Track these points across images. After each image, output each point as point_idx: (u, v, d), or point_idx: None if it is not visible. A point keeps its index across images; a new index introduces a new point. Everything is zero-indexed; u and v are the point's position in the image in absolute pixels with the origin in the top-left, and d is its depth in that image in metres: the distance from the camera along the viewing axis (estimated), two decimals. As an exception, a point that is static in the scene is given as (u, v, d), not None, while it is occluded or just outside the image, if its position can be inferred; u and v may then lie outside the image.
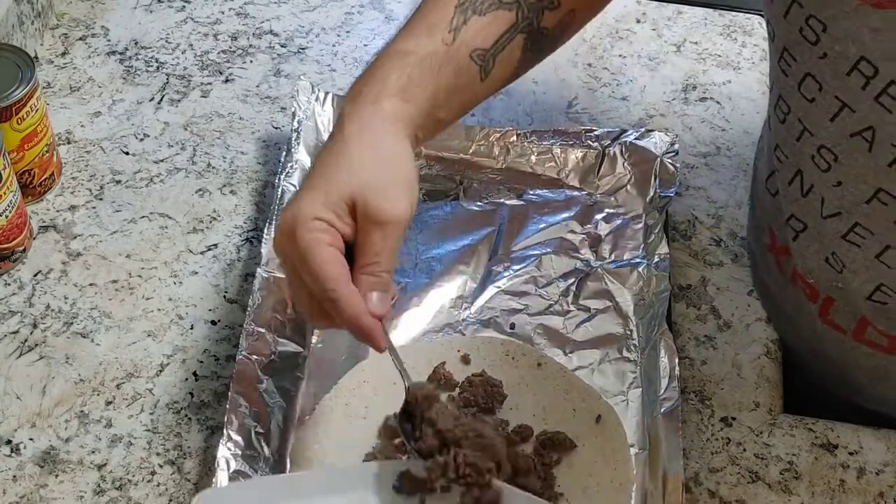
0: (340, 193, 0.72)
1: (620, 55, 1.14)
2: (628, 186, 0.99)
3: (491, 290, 0.92)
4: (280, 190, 0.93)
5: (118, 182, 1.00)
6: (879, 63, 0.67)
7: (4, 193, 0.88)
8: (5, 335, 0.88)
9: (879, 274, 0.77)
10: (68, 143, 1.02)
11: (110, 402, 0.85)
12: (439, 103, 0.78)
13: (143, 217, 0.97)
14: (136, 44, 1.12)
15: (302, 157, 0.96)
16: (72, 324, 0.89)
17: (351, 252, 0.73)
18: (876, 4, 0.65)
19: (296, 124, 0.97)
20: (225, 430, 0.78)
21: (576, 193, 0.99)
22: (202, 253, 0.95)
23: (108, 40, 1.12)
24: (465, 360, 0.86)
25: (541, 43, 0.82)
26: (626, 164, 0.99)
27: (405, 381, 0.76)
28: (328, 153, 0.75)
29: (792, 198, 0.81)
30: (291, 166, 0.94)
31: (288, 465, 0.80)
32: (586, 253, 0.95)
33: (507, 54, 0.80)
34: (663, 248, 0.92)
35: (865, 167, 0.72)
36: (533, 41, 0.81)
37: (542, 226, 0.97)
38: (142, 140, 1.03)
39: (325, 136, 0.98)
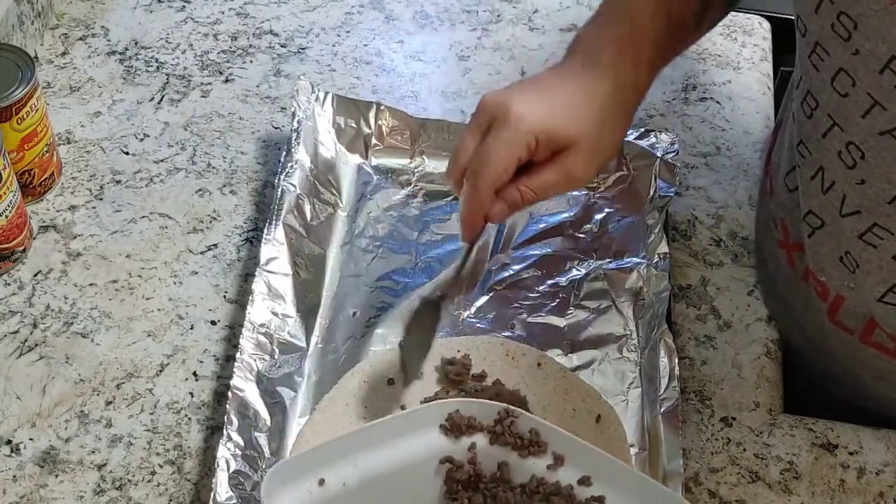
0: (565, 133, 0.76)
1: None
2: (628, 186, 0.99)
3: (491, 290, 0.92)
4: (280, 190, 0.93)
5: (118, 182, 1.00)
6: None
7: (4, 193, 0.88)
8: (5, 335, 0.88)
9: (893, 275, 0.77)
10: (68, 143, 1.02)
11: (110, 402, 0.85)
12: (665, 67, 0.84)
13: (143, 217, 0.97)
14: (136, 44, 1.12)
15: (302, 157, 0.96)
16: (72, 324, 0.89)
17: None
18: None
19: (296, 124, 0.97)
20: (225, 430, 0.78)
21: (576, 193, 0.99)
22: (202, 253, 0.95)
23: (108, 40, 1.12)
24: (466, 360, 0.86)
25: None
26: (626, 163, 0.99)
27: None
28: (579, 76, 0.79)
29: (812, 194, 0.81)
30: (291, 166, 0.94)
31: (288, 465, 0.80)
32: (586, 253, 0.95)
33: (713, 10, 0.85)
34: (663, 248, 0.92)
35: (892, 166, 0.72)
36: None
37: (542, 226, 0.97)
38: (142, 140, 1.03)
39: (324, 137, 0.99)
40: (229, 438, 0.78)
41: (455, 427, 0.77)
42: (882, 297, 0.79)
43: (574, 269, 0.93)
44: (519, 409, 0.77)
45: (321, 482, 0.74)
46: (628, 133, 0.99)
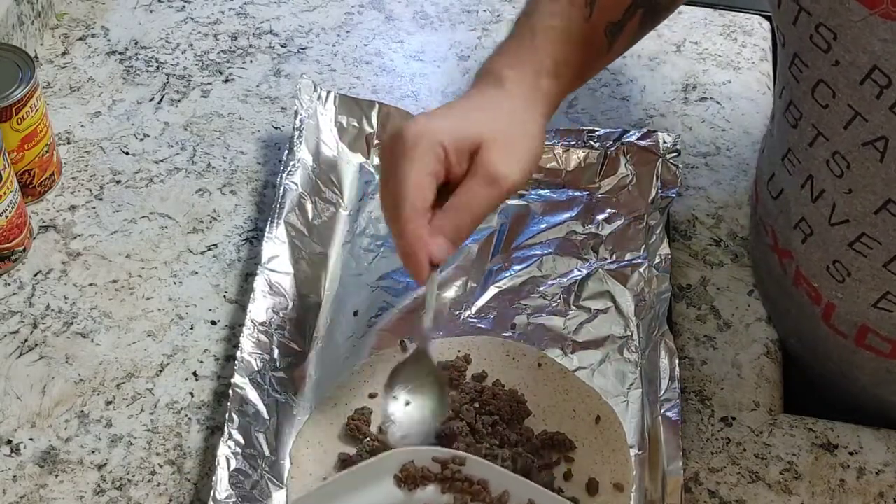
0: (471, 132, 0.74)
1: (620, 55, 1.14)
2: (630, 187, 0.99)
3: (491, 290, 0.92)
4: (282, 189, 0.92)
5: (118, 182, 1.00)
6: (892, 74, 0.66)
7: (4, 193, 0.88)
8: (5, 335, 0.88)
9: (886, 283, 0.77)
10: (68, 143, 1.02)
11: (110, 402, 0.85)
12: (580, 79, 0.83)
13: (143, 217, 0.97)
14: (136, 44, 1.12)
15: (304, 155, 0.96)
16: (72, 324, 0.89)
17: (445, 190, 0.74)
18: (885, 15, 0.65)
19: (298, 123, 0.97)
20: (225, 429, 0.78)
21: (577, 193, 0.99)
22: (202, 253, 0.95)
23: (108, 40, 1.12)
24: (466, 360, 0.86)
25: (655, 16, 0.86)
26: (627, 164, 0.99)
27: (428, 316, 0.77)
28: (481, 92, 0.78)
29: (801, 202, 0.81)
30: (293, 165, 0.94)
31: (287, 465, 0.80)
32: (587, 253, 0.95)
33: (628, 28, 0.83)
34: (664, 249, 0.92)
35: (875, 177, 0.72)
36: (648, 14, 0.85)
37: (543, 226, 0.97)
38: (142, 140, 1.03)
39: (326, 136, 0.99)
40: (230, 437, 0.78)
41: (409, 478, 0.76)
42: (876, 303, 0.79)
43: (575, 270, 0.93)
44: (466, 455, 0.76)
45: None
46: (631, 133, 1.00)
